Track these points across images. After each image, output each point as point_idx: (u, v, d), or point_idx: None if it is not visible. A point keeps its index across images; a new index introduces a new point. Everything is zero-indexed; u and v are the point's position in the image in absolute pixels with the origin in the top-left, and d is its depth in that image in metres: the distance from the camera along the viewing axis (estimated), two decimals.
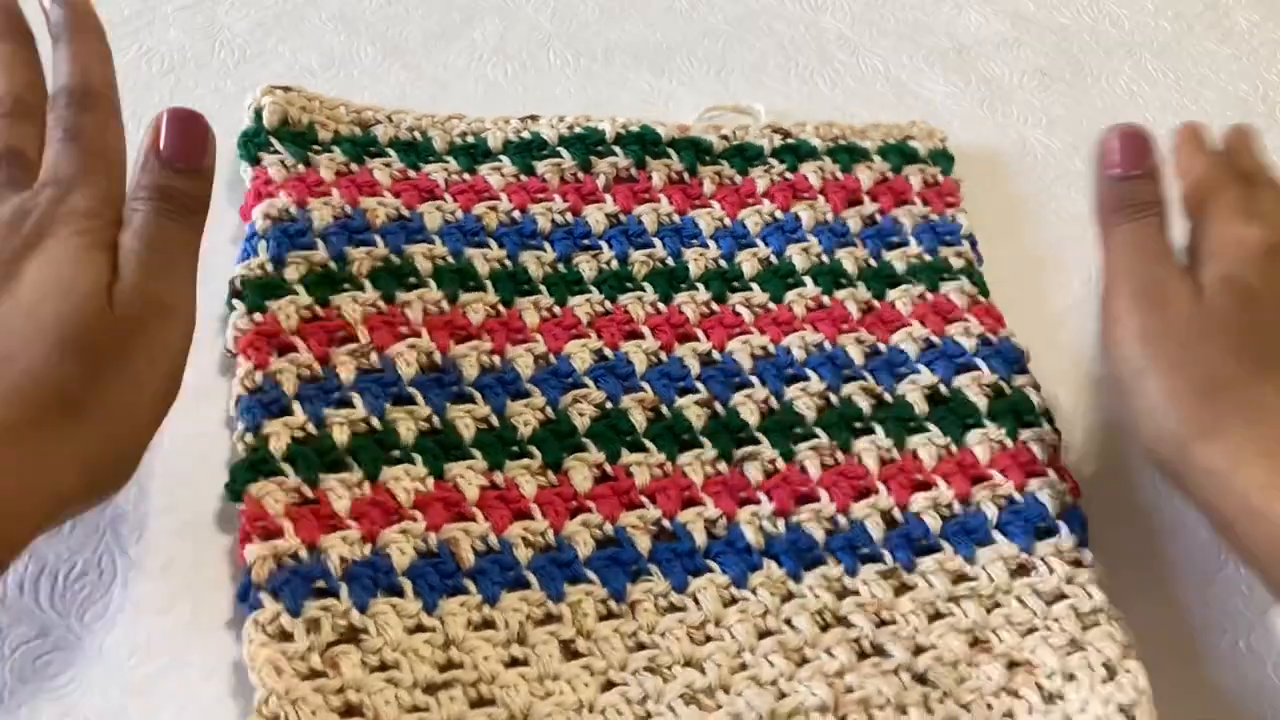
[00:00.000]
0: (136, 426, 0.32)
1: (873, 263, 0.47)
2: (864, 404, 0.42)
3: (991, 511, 0.40)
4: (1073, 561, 0.39)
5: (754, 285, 0.46)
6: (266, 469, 0.36)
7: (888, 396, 0.43)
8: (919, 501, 0.40)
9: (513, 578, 0.36)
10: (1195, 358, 0.36)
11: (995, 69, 0.60)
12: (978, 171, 0.53)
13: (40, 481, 0.30)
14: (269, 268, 0.41)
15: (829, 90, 0.58)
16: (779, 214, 0.48)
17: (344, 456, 0.37)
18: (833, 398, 0.42)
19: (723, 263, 0.46)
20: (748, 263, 0.46)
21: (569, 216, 0.46)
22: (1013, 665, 0.36)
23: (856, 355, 0.44)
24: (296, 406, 0.38)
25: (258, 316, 0.40)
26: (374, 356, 0.40)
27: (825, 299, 0.46)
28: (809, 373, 0.43)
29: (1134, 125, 0.40)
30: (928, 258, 0.48)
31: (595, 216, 0.47)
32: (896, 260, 0.48)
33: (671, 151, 0.49)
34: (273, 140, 0.46)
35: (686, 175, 0.49)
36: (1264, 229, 0.38)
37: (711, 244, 0.47)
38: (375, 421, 0.38)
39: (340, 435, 0.38)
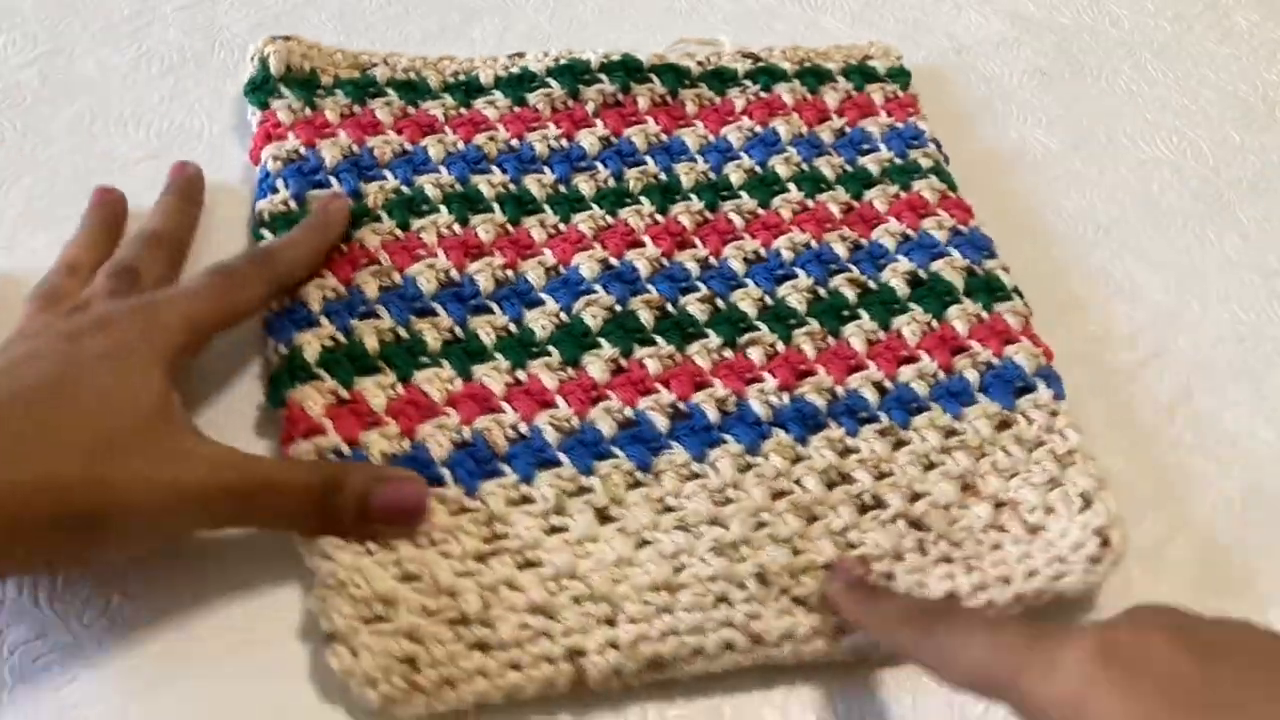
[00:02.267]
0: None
1: (848, 168, 0.51)
2: (850, 293, 0.45)
3: (973, 376, 0.43)
4: (1050, 412, 0.42)
5: (743, 193, 0.49)
6: (304, 375, 0.39)
7: (872, 284, 0.46)
8: (907, 373, 0.43)
9: (545, 458, 0.39)
10: None
11: (995, 69, 0.60)
12: (977, 171, 0.53)
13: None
14: (291, 204, 0.44)
15: None
16: (758, 129, 0.52)
17: (375, 361, 0.40)
18: (821, 290, 0.45)
19: (712, 175, 0.49)
20: (735, 174, 0.49)
21: (564, 142, 0.49)
22: (999, 505, 0.40)
23: (841, 251, 0.47)
24: (324, 320, 0.40)
25: None
26: (395, 276, 0.43)
27: (809, 202, 0.49)
28: (798, 271, 0.46)
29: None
30: (898, 160, 0.51)
31: (589, 140, 0.49)
32: (870, 164, 0.51)
33: (654, 76, 0.52)
34: (280, 86, 0.48)
35: (669, 98, 0.52)
36: None
37: (699, 158, 0.50)
38: (401, 331, 0.41)
39: (371, 342, 0.40)
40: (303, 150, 0.46)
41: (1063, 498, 0.40)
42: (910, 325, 0.45)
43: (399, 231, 0.44)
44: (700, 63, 0.53)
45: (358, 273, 0.42)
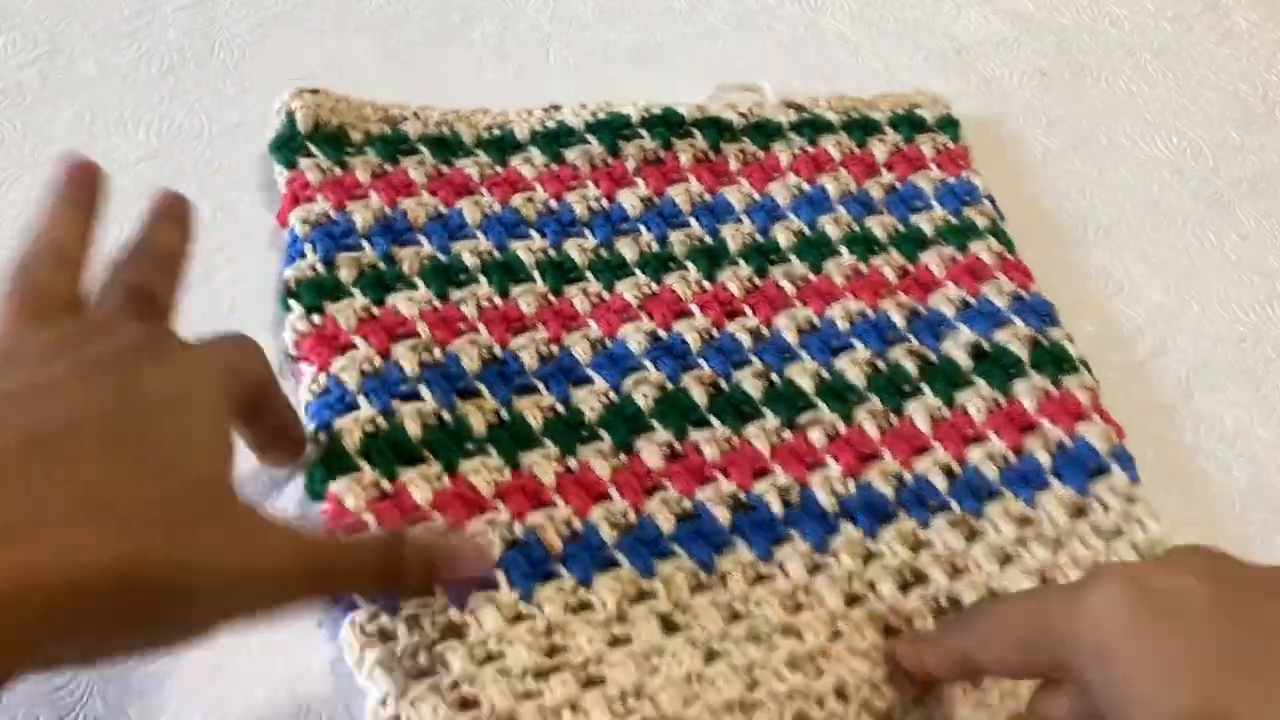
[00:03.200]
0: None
1: (901, 228, 0.49)
2: (910, 366, 0.44)
3: (1045, 458, 0.41)
4: (1127, 497, 0.41)
5: (792, 257, 0.47)
6: (343, 465, 0.37)
7: (932, 356, 0.44)
8: (975, 454, 0.41)
9: (602, 558, 0.37)
10: None
11: (995, 69, 0.60)
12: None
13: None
14: (320, 269, 0.42)
15: (829, 91, 0.57)
16: (806, 186, 0.49)
17: (419, 450, 0.38)
18: (880, 363, 0.44)
19: (759, 237, 0.47)
20: (783, 235, 0.47)
21: (604, 203, 0.47)
22: None
23: (898, 319, 0.45)
24: (363, 401, 0.38)
25: (316, 319, 0.41)
26: (437, 352, 0.41)
27: (862, 266, 0.47)
28: (854, 341, 0.44)
29: None
30: (953, 220, 0.49)
31: (630, 200, 0.47)
32: (923, 223, 0.49)
33: (695, 131, 0.50)
34: (308, 144, 0.46)
35: (711, 154, 0.50)
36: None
37: (745, 219, 0.48)
38: (446, 415, 0.39)
39: (413, 428, 0.38)
40: (332, 213, 0.44)
41: None
42: (975, 401, 0.43)
43: (437, 302, 0.42)
44: (742, 114, 0.51)
45: (395, 344, 0.40)
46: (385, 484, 0.37)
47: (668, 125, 0.50)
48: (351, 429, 0.37)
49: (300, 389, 0.39)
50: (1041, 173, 0.55)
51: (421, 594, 0.34)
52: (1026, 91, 0.59)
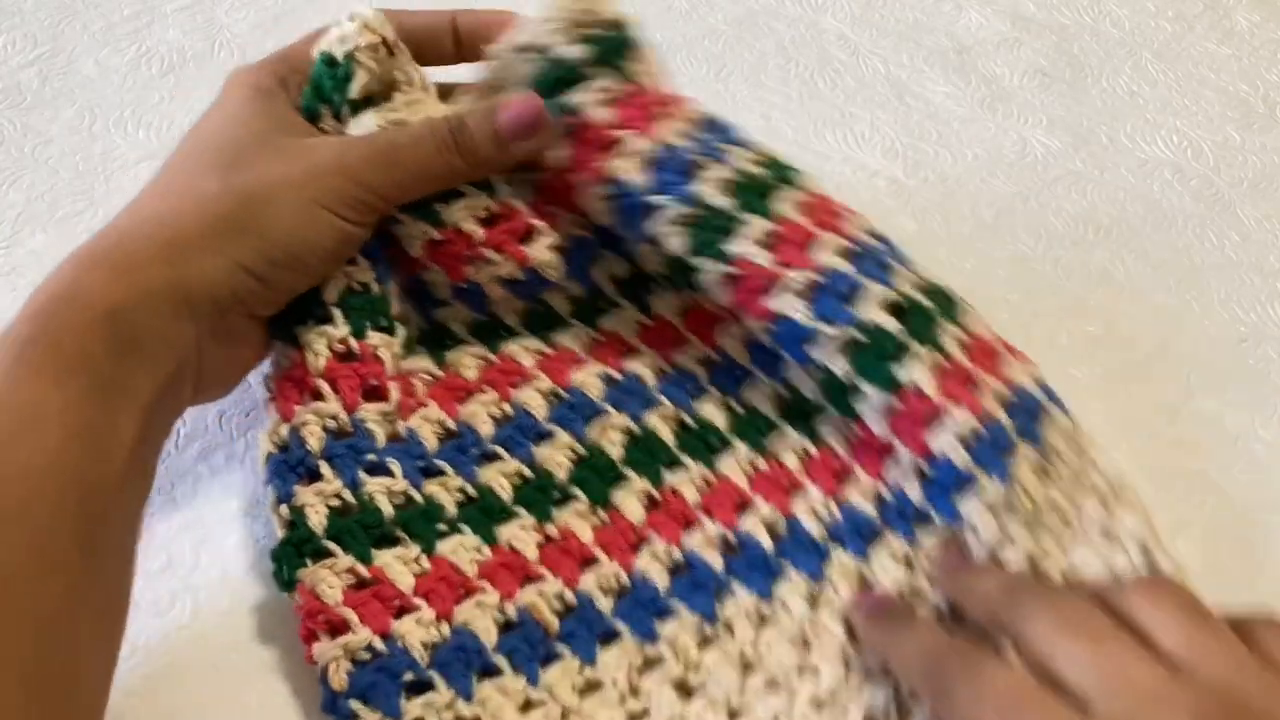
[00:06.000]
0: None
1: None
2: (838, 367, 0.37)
3: (1005, 419, 0.35)
4: (1073, 441, 0.36)
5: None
6: (312, 549, 0.34)
7: (860, 336, 0.36)
8: (942, 441, 0.35)
9: (603, 630, 0.35)
10: None
11: (995, 69, 0.60)
12: (978, 172, 0.53)
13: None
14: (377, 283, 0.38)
15: (829, 90, 0.58)
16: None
17: (393, 530, 0.35)
18: (835, 370, 0.37)
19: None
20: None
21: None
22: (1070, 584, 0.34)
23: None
24: (326, 468, 0.35)
25: (291, 353, 0.37)
26: (400, 425, 0.37)
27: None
28: (785, 355, 0.39)
29: None
30: None
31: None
32: None
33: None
34: None
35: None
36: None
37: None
38: (415, 494, 0.36)
39: (385, 506, 0.35)
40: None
41: (1123, 556, 0.33)
42: (921, 375, 0.36)
43: (404, 363, 0.39)
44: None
45: (364, 405, 0.36)
46: (362, 569, 0.33)
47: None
48: (315, 505, 0.34)
49: (262, 437, 0.36)
50: (1041, 173, 0.55)
51: (498, 165, 0.37)
52: (1026, 91, 0.59)
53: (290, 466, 0.35)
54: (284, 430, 0.35)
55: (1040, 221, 0.53)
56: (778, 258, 0.37)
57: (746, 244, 0.37)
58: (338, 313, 0.37)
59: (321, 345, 0.36)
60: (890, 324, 0.36)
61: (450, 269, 0.39)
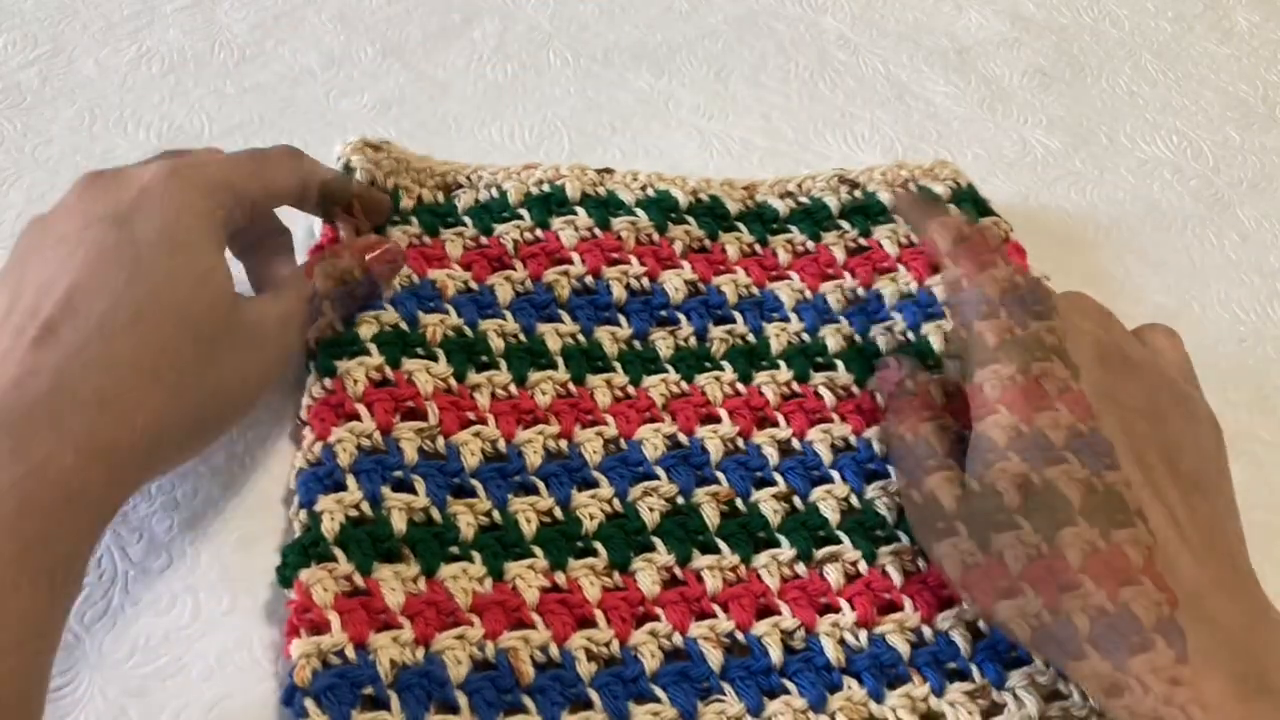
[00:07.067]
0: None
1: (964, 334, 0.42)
2: None
3: (1083, 622, 0.32)
4: (1170, 680, 0.31)
5: (838, 363, 0.43)
6: (318, 553, 0.34)
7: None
8: (1005, 610, 0.33)
9: (574, 695, 0.33)
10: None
11: (995, 69, 0.60)
12: (978, 172, 0.53)
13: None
14: (338, 326, 0.40)
15: (829, 90, 0.58)
16: (861, 291, 0.45)
17: (400, 546, 0.35)
18: None
19: (805, 337, 0.44)
20: (832, 339, 0.43)
21: (645, 282, 0.44)
22: None
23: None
24: (351, 481, 0.36)
25: (328, 383, 0.38)
26: (440, 441, 0.38)
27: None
28: (890, 469, 0.39)
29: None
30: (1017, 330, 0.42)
31: (674, 283, 0.44)
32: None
33: (741, 225, 0.47)
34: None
35: (758, 247, 0.46)
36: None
37: (793, 317, 0.44)
38: (435, 513, 0.36)
39: (398, 522, 0.35)
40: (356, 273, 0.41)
41: None
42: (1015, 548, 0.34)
43: (453, 381, 0.39)
44: (789, 193, 0.48)
45: (399, 423, 0.38)
46: (358, 579, 0.34)
47: (713, 216, 0.46)
48: (334, 511, 0.35)
49: (297, 456, 0.37)
50: (1041, 173, 0.55)
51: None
52: (1026, 91, 0.59)
53: (319, 479, 0.36)
54: (318, 448, 0.37)
55: (1040, 221, 0.53)
56: None
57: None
58: (373, 347, 0.39)
59: (360, 374, 0.39)
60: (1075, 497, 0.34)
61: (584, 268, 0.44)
